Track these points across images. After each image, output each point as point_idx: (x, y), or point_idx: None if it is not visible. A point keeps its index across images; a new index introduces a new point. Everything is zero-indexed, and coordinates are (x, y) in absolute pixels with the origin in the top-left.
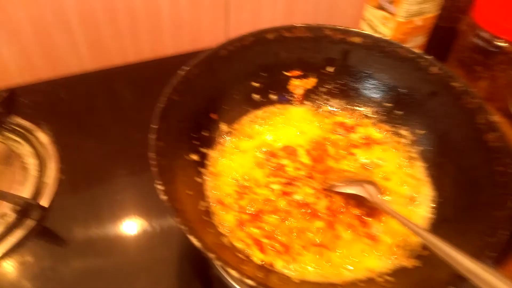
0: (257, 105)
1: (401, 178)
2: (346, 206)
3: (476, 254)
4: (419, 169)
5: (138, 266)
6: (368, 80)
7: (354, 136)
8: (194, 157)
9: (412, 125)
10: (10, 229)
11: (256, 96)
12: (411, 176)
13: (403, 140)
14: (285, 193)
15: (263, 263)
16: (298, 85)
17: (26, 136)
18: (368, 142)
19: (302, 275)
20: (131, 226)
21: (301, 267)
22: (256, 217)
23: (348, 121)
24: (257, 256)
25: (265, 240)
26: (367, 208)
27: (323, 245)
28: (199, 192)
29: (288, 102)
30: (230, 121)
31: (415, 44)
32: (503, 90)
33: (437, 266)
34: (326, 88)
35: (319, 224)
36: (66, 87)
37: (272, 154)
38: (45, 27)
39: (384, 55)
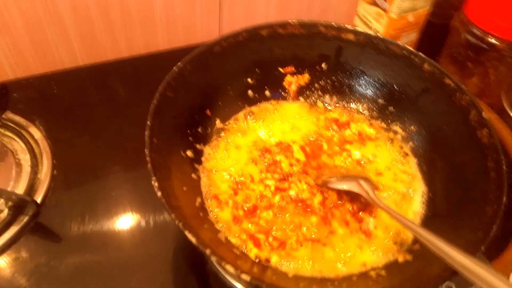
0: (251, 102)
1: (394, 173)
2: (340, 201)
3: (468, 249)
4: (412, 165)
5: (133, 261)
6: (362, 77)
7: (348, 132)
8: (190, 153)
9: (404, 121)
10: (4, 226)
11: (250, 93)
12: (404, 171)
13: (396, 136)
14: (280, 189)
15: (259, 258)
16: (292, 81)
17: (19, 132)
18: (362, 138)
19: (297, 270)
20: (126, 222)
21: (296, 262)
22: (251, 213)
23: (342, 117)
24: (253, 252)
25: (260, 236)
26: (361, 203)
27: (317, 240)
28: (195, 188)
29: (283, 98)
30: (225, 118)
31: (407, 40)
32: (494, 86)
33: (430, 260)
34: (320, 84)
35: (313, 219)
36: (59, 82)
37: (266, 150)
38: (37, 21)
39: (377, 52)
